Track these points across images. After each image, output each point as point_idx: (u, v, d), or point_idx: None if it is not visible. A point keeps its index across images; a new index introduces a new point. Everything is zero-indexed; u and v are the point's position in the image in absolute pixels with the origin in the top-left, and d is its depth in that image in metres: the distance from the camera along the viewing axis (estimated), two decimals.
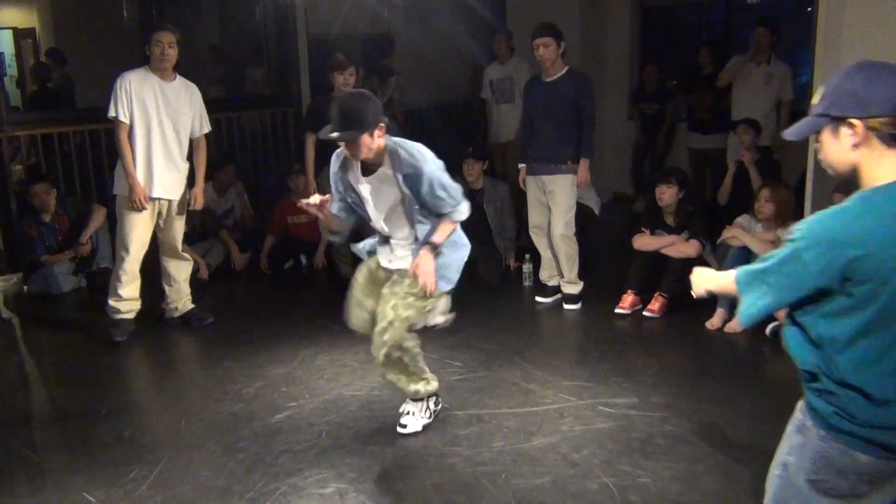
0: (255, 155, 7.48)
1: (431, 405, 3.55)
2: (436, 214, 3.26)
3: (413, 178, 3.14)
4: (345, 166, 3.30)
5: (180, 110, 4.66)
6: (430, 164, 3.15)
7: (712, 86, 6.80)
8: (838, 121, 1.72)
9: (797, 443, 1.84)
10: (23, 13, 10.63)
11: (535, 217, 5.23)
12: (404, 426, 3.47)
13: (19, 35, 10.79)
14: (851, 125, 1.70)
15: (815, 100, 1.79)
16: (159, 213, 4.74)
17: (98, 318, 4.98)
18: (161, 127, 4.60)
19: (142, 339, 4.82)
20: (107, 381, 4.21)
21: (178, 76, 4.70)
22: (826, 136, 1.76)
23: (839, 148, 1.74)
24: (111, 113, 4.51)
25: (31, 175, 6.04)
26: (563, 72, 4.96)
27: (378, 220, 3.33)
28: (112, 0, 8.31)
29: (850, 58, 4.43)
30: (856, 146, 1.71)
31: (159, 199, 4.67)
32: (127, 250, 4.63)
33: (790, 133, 1.84)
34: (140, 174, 4.56)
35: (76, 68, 8.37)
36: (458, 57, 8.38)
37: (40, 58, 9.46)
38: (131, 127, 4.52)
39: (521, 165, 5.23)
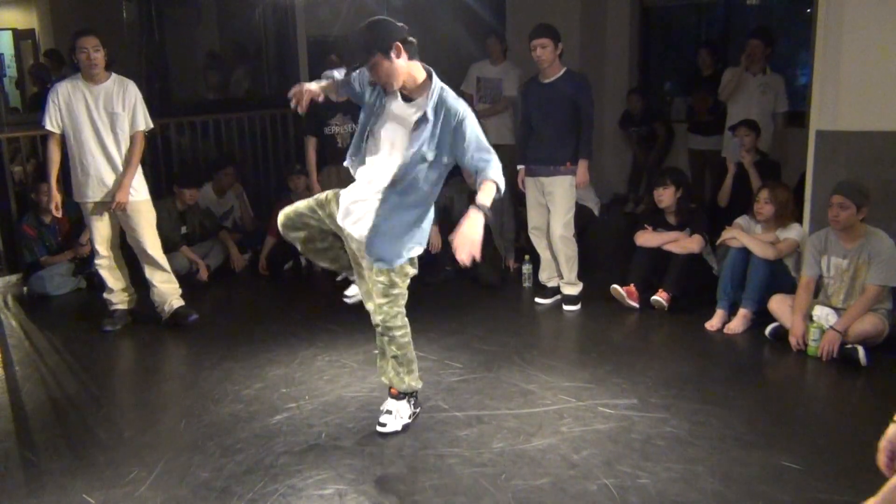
0: (255, 156, 7.48)
1: (412, 407, 3.53)
2: (473, 173, 3.03)
3: (447, 126, 2.99)
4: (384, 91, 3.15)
5: (115, 111, 4.67)
6: (472, 116, 3.02)
7: (712, 88, 6.80)
8: None
9: None
10: (22, 14, 10.64)
11: (534, 218, 5.23)
12: (384, 425, 3.44)
13: (19, 36, 10.79)
14: None
15: None
16: (120, 215, 4.79)
17: (98, 320, 4.99)
18: (95, 132, 4.65)
19: (141, 341, 4.82)
20: (106, 382, 4.21)
21: (114, 75, 4.71)
22: None
23: None
24: (41, 123, 4.67)
25: (40, 175, 6.02)
26: (561, 73, 4.96)
27: (371, 152, 3.16)
28: (111, 2, 8.30)
29: (850, 59, 4.46)
30: None
31: (104, 202, 4.74)
32: (96, 249, 4.86)
33: None
34: (76, 180, 4.74)
35: (75, 71, 8.36)
36: (457, 58, 8.38)
37: (39, 59, 9.47)
38: (65, 136, 4.66)
39: (520, 167, 5.23)
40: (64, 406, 3.93)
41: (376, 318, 3.33)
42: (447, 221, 5.83)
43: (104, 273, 4.90)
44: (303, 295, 5.87)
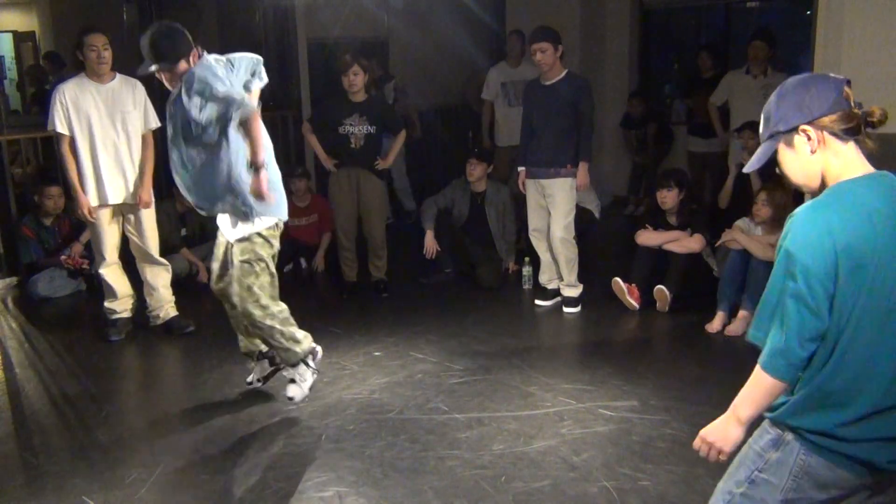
0: None
1: (311, 363, 3.66)
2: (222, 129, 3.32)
3: (192, 96, 3.25)
4: None
5: (125, 109, 4.57)
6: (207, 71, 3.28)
7: (712, 90, 6.81)
8: (790, 133, 1.78)
9: (773, 459, 1.84)
10: (23, 17, 10.66)
11: (534, 220, 5.23)
12: (292, 398, 3.58)
13: (19, 38, 10.82)
14: (804, 132, 1.75)
15: (761, 129, 1.85)
16: (126, 218, 4.71)
17: (97, 322, 4.98)
18: (105, 132, 4.53)
19: (141, 343, 4.82)
20: (106, 385, 4.20)
21: (118, 75, 4.61)
22: (783, 153, 1.81)
23: (798, 159, 1.79)
24: (50, 126, 4.48)
25: (44, 177, 6.02)
26: (562, 75, 4.96)
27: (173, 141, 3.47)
28: (111, 3, 8.32)
29: (849, 61, 4.46)
30: (813, 151, 1.75)
31: (116, 204, 4.61)
32: (102, 255, 4.70)
33: (750, 166, 1.88)
34: (91, 183, 4.53)
35: (75, 71, 8.36)
36: (458, 59, 8.39)
37: (39, 61, 9.49)
38: (73, 138, 4.47)
39: (521, 169, 5.23)
40: (64, 408, 3.92)
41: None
42: (446, 223, 5.83)
43: (111, 280, 4.75)
44: (302, 297, 5.86)
